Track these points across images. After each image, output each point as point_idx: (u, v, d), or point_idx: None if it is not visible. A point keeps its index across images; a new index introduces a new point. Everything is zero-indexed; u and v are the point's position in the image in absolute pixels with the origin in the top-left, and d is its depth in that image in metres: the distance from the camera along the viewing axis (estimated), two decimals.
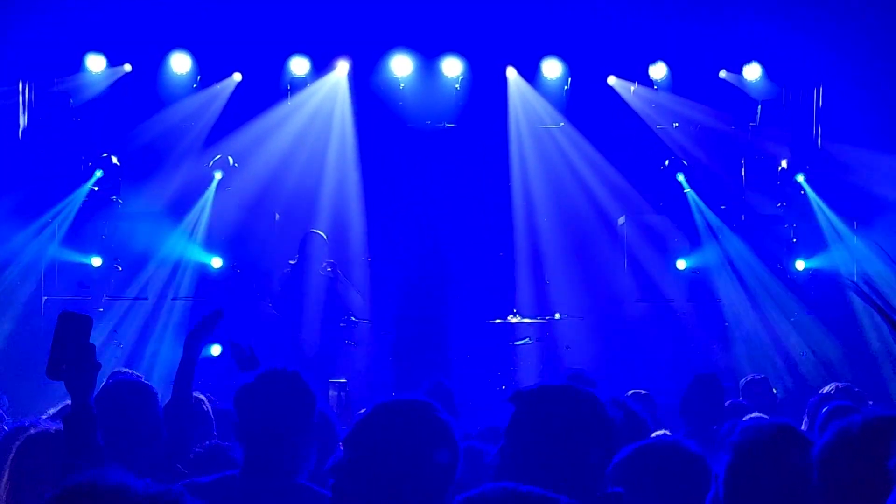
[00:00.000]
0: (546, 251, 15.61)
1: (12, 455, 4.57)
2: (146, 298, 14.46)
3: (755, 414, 7.58)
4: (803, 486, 3.25)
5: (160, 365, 13.48)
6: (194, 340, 5.49)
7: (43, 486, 4.20)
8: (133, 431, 5.00)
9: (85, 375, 3.87)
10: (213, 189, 15.04)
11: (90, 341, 3.89)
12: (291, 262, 14.05)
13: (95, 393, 5.05)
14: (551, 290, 15.42)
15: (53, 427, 4.67)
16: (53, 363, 3.83)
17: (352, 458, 3.50)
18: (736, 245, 14.83)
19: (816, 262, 14.58)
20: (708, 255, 14.88)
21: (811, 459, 3.28)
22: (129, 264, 14.70)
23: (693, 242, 15.08)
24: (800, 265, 14.82)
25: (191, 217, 14.88)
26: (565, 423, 3.61)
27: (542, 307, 15.14)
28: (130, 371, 7.78)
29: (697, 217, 15.11)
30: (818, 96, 15.26)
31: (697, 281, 14.96)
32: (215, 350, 12.51)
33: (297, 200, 15.32)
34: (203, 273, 14.79)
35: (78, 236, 14.66)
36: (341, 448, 3.59)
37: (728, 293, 14.66)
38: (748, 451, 3.36)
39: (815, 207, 14.70)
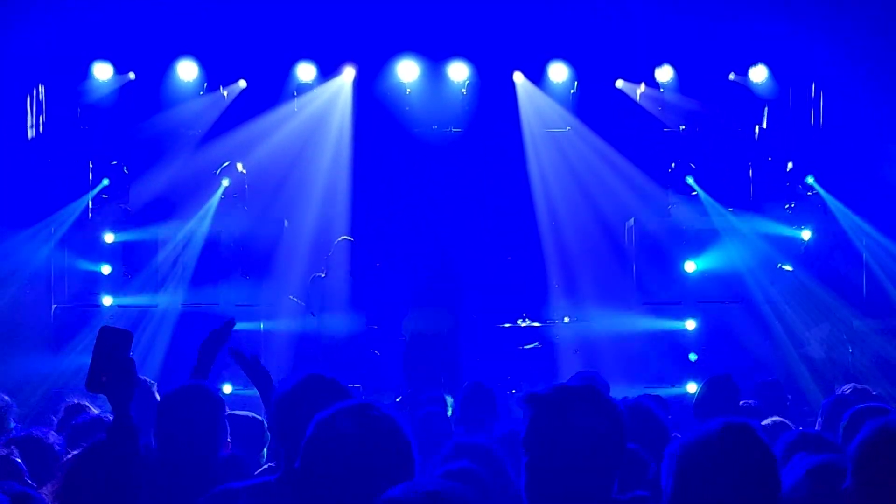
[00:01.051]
0: (554, 255, 15.61)
1: (67, 469, 4.67)
2: (156, 305, 14.46)
3: (776, 418, 7.55)
4: (753, 485, 3.24)
5: (169, 371, 13.47)
6: (207, 350, 5.63)
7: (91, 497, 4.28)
8: (195, 438, 5.02)
9: (125, 388, 3.98)
10: (219, 195, 15.04)
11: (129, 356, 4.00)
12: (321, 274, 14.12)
13: (165, 395, 5.18)
14: (559, 293, 15.42)
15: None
16: (94, 376, 3.95)
17: (303, 477, 3.49)
18: (752, 245, 14.79)
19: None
20: (721, 257, 14.83)
21: (769, 460, 3.28)
22: (137, 271, 14.72)
23: (703, 244, 15.05)
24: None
25: (196, 223, 14.88)
26: (584, 425, 3.59)
27: (551, 311, 15.15)
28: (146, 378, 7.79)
29: (712, 219, 15.08)
30: (824, 97, 15.25)
31: (709, 282, 14.93)
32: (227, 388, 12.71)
33: (297, 204, 15.36)
34: (212, 278, 14.80)
35: (86, 244, 14.68)
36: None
37: (760, 293, 14.59)
38: (696, 450, 3.33)
39: (832, 207, 14.65)
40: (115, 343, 3.96)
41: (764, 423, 7.28)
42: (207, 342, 5.71)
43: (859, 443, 3.09)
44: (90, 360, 3.95)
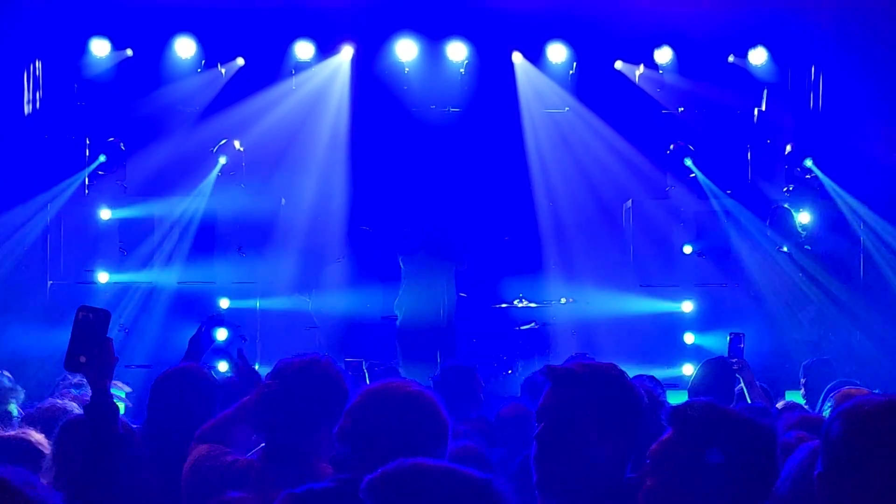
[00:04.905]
0: (552, 236, 15.58)
1: (55, 438, 4.70)
2: (151, 282, 14.42)
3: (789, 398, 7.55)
4: (736, 465, 3.22)
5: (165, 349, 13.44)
6: (196, 346, 5.68)
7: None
8: (188, 418, 5.00)
9: (103, 368, 3.98)
10: (216, 172, 14.99)
11: (108, 334, 3.98)
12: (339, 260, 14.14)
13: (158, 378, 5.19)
14: (556, 274, 15.40)
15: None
16: (72, 356, 3.95)
17: (347, 449, 3.54)
18: (749, 227, 14.75)
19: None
20: (718, 239, 14.80)
21: (752, 440, 3.27)
22: (134, 248, 14.69)
23: (700, 227, 15.02)
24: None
25: (193, 200, 14.83)
26: (601, 402, 3.57)
27: (548, 292, 15.12)
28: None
29: (711, 202, 15.03)
30: (823, 80, 15.21)
31: (706, 265, 14.90)
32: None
33: (295, 182, 15.32)
34: (209, 256, 14.76)
35: (83, 221, 14.64)
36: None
37: (757, 276, 14.52)
38: (678, 430, 3.32)
39: (830, 191, 14.61)
40: (93, 322, 3.95)
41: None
42: (196, 338, 5.77)
43: (826, 427, 2.99)
44: (68, 340, 3.94)
